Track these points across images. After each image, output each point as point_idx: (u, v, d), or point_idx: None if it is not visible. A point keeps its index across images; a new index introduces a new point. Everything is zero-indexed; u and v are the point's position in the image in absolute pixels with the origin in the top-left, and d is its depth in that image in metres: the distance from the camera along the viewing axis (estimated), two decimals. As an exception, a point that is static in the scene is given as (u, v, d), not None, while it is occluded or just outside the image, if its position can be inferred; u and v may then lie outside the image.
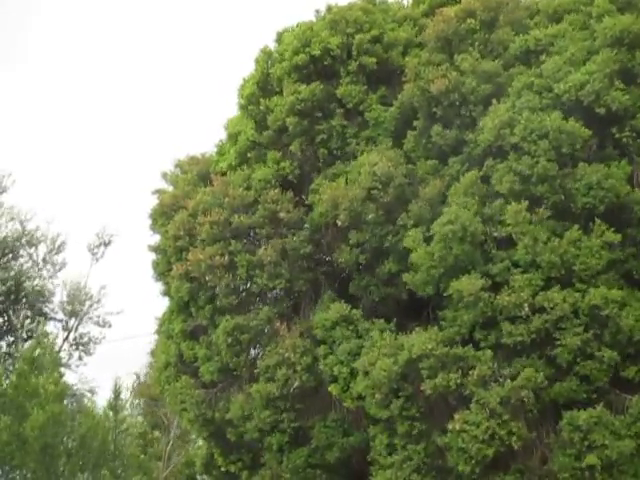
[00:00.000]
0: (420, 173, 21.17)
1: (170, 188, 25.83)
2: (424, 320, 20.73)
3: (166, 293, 24.97)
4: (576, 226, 18.85)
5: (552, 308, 18.42)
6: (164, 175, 26.38)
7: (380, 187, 20.65)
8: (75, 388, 38.70)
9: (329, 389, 20.90)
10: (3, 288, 38.50)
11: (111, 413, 37.50)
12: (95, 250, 42.71)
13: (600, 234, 18.73)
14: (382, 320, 20.83)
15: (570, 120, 19.11)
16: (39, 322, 39.41)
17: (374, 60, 22.25)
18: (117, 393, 40.45)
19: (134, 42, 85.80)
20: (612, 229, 18.81)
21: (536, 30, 21.08)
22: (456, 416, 18.62)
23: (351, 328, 20.92)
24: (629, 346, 18.68)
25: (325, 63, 22.44)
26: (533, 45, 20.85)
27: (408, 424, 19.32)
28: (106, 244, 43.01)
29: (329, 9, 23.41)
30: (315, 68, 22.58)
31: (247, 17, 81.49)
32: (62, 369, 37.67)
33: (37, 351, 35.67)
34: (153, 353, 35.66)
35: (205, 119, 65.65)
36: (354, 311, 21.09)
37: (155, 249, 25.20)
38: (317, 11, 23.78)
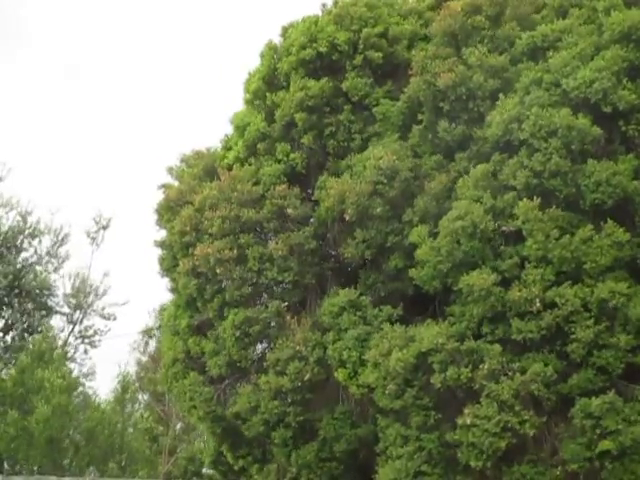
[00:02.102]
0: (426, 168, 21.19)
1: (176, 183, 25.80)
2: (430, 315, 20.75)
3: (173, 289, 24.98)
4: (590, 226, 18.89)
5: (563, 303, 18.46)
6: (170, 170, 26.36)
7: (385, 181, 20.72)
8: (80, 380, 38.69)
9: (336, 375, 20.97)
10: (5, 282, 38.40)
11: (118, 407, 37.63)
12: (94, 235, 42.60)
13: (610, 233, 18.77)
14: (389, 306, 20.90)
15: (579, 117, 19.12)
16: (42, 316, 39.43)
17: (380, 55, 22.30)
18: (125, 387, 40.56)
19: (140, 33, 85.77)
20: (621, 227, 18.81)
21: (543, 25, 20.99)
22: (466, 410, 18.63)
23: (359, 314, 21.00)
24: (638, 336, 18.71)
25: (332, 58, 22.50)
26: (540, 41, 20.78)
27: (424, 414, 19.33)
28: (104, 228, 42.89)
29: (335, 3, 23.42)
30: (322, 63, 22.64)
31: (253, 10, 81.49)
32: (68, 363, 37.73)
33: (43, 345, 35.76)
34: (158, 349, 35.76)
35: (210, 113, 65.66)
36: (362, 297, 21.18)
37: (161, 244, 25.18)
38: (324, 5, 23.85)
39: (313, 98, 22.16)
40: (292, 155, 22.63)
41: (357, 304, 21.13)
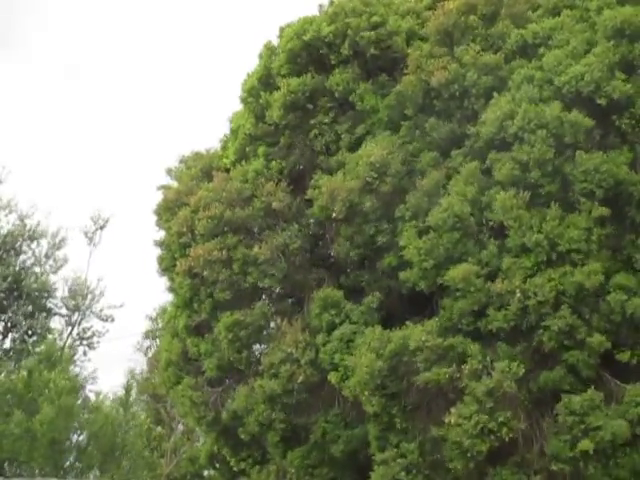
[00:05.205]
0: (420, 166, 21.01)
1: (174, 184, 25.84)
2: (428, 314, 20.54)
3: (171, 288, 25.01)
4: (558, 205, 18.75)
5: (535, 293, 18.25)
6: (169, 171, 26.44)
7: (376, 177, 20.53)
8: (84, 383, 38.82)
9: (329, 378, 20.77)
10: (5, 285, 38.52)
11: (121, 409, 37.66)
12: (91, 235, 42.69)
13: (589, 211, 18.61)
14: (372, 303, 20.74)
15: (571, 111, 19.05)
16: (43, 317, 39.55)
17: (371, 47, 21.89)
18: (128, 389, 40.69)
19: (140, 34, 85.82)
20: (613, 218, 18.71)
21: (534, 24, 20.94)
22: (452, 409, 18.48)
23: (336, 311, 20.85)
24: (622, 327, 18.58)
25: (321, 52, 22.21)
26: (531, 38, 20.70)
27: (397, 420, 19.30)
28: (102, 227, 43.01)
29: (331, 3, 23.35)
30: (310, 57, 22.37)
31: (258, 11, 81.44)
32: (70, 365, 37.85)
33: (53, 346, 35.92)
34: (158, 350, 35.79)
35: (211, 113, 65.68)
36: (336, 292, 21.03)
37: (160, 245, 25.21)
38: (320, 5, 23.77)
39: (294, 94, 21.91)
40: (273, 162, 22.52)
41: (334, 300, 20.96)
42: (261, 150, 22.84)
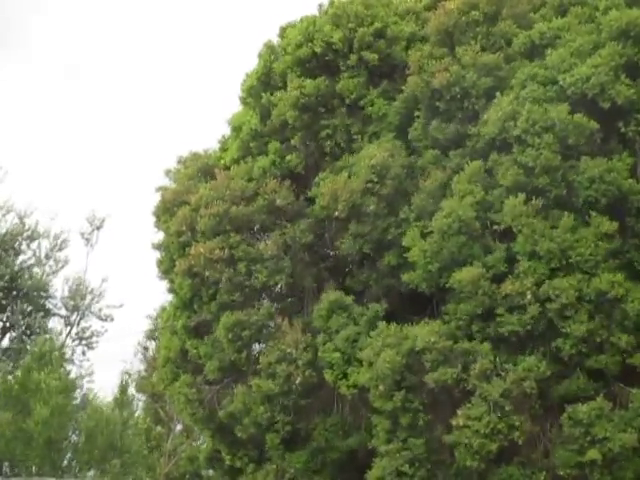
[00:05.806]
0: (423, 163, 21.09)
1: (173, 185, 25.76)
2: (428, 314, 20.58)
3: (171, 290, 24.96)
4: (572, 215, 18.81)
5: (558, 295, 18.27)
6: (167, 172, 26.33)
7: (377, 180, 20.60)
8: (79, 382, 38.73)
9: (324, 374, 20.79)
10: (3, 284, 38.48)
11: (117, 409, 37.56)
12: (88, 236, 42.70)
13: (597, 225, 18.65)
14: (375, 304, 20.77)
15: (576, 113, 19.04)
16: (41, 317, 39.50)
17: (375, 56, 22.06)
18: (124, 388, 40.59)
19: (140, 34, 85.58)
20: (612, 221, 18.71)
21: (541, 24, 20.92)
22: (459, 411, 18.49)
23: (345, 315, 20.85)
24: (636, 333, 18.59)
25: (327, 58, 22.34)
26: (538, 39, 20.69)
27: (410, 416, 19.20)
28: (98, 228, 43.04)
29: (332, 3, 23.37)
30: (318, 63, 22.50)
31: (254, 11, 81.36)
32: (66, 364, 37.76)
33: (45, 346, 35.84)
34: (157, 349, 35.79)
35: (210, 114, 65.50)
36: (346, 297, 21.02)
37: (158, 247, 25.14)
38: (320, 5, 23.79)
39: (307, 97, 21.98)
40: (288, 157, 22.49)
41: (343, 304, 20.96)
42: (272, 147, 22.86)
